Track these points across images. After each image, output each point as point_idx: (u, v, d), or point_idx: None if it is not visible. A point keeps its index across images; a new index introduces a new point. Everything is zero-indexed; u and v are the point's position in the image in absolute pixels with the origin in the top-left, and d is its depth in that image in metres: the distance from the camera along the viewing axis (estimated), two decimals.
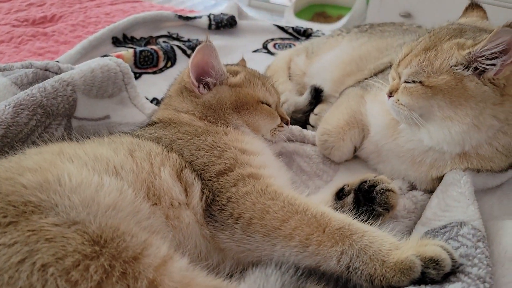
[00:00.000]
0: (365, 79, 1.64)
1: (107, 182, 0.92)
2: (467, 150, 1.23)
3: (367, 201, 1.15)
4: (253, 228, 0.96)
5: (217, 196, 1.04)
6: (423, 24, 3.76)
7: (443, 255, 0.86)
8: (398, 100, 1.27)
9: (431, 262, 0.84)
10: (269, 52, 2.36)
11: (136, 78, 2.03)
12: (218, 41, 2.37)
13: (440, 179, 1.31)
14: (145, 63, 2.08)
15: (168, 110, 1.33)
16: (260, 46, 2.42)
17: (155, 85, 2.00)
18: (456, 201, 1.11)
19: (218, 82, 1.31)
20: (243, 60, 1.72)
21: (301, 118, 1.77)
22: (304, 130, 1.66)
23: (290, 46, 2.41)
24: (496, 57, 1.10)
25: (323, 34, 2.55)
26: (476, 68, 1.13)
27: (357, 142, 1.51)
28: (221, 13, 2.54)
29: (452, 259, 0.86)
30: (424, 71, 1.19)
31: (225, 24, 2.47)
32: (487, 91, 1.13)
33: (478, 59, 1.12)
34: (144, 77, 2.05)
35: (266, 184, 1.05)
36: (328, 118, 1.54)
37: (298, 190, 1.24)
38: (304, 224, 0.94)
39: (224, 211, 1.01)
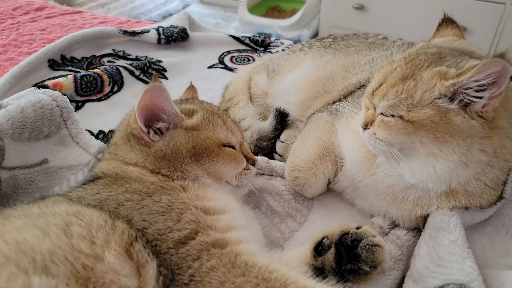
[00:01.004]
0: (334, 102, 1.50)
1: (36, 283, 0.73)
2: (454, 187, 1.11)
3: (351, 258, 1.02)
4: None
5: (177, 275, 0.87)
6: (378, 18, 3.73)
7: None
8: (374, 133, 1.14)
9: None
10: (226, 67, 2.18)
11: (79, 107, 1.80)
12: (169, 57, 2.16)
13: (425, 217, 1.20)
14: (88, 89, 1.85)
15: (114, 161, 1.13)
16: (216, 61, 2.23)
17: (101, 114, 1.78)
18: (450, 254, 0.99)
19: (172, 126, 1.13)
20: (192, 87, 1.52)
21: (267, 146, 1.62)
22: (272, 162, 1.51)
23: (249, 59, 2.24)
24: (485, 89, 0.98)
25: (281, 43, 2.40)
26: (461, 100, 1.02)
27: (330, 175, 1.37)
28: (171, 26, 2.32)
29: None
30: (403, 104, 1.06)
31: (176, 38, 2.26)
32: (475, 126, 1.02)
33: (464, 91, 1.00)
34: (88, 105, 1.82)
35: (235, 253, 0.90)
36: (297, 150, 1.39)
37: (271, 250, 1.11)
38: None
39: None
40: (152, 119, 1.10)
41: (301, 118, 1.60)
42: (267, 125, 1.62)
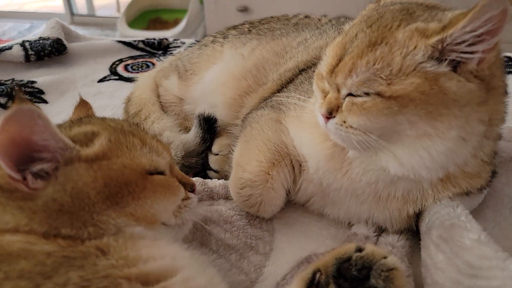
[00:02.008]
0: (272, 94, 1.22)
1: None
2: (452, 171, 0.90)
3: None
4: None
5: None
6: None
7: None
8: (344, 122, 0.88)
9: None
10: (121, 77, 1.78)
11: None
12: (45, 76, 1.70)
13: (417, 214, 0.97)
14: None
15: None
16: (107, 72, 1.82)
17: None
18: (482, 258, 0.75)
19: (62, 162, 0.73)
20: (83, 103, 1.10)
21: (197, 163, 1.28)
22: (209, 181, 1.18)
23: (148, 65, 1.87)
24: (480, 41, 0.77)
25: (182, 43, 2.07)
26: (451, 60, 0.79)
27: (289, 184, 1.09)
28: (40, 38, 1.85)
29: None
30: (380, 77, 0.81)
31: (50, 52, 1.79)
32: (473, 90, 0.80)
33: (454, 47, 0.78)
34: None
35: None
36: (243, 161, 1.08)
37: None
38: None
39: None
40: (27, 158, 0.70)
41: (234, 121, 1.30)
42: (192, 137, 1.28)
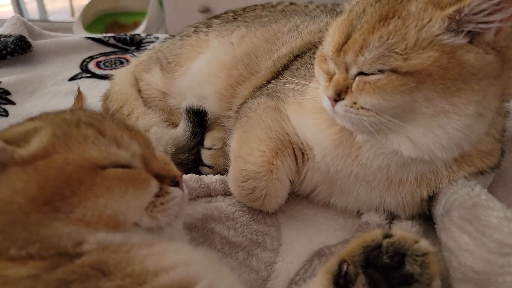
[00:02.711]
0: (267, 82, 1.16)
1: None
2: (467, 149, 0.86)
3: (399, 282, 0.68)
4: None
5: None
6: None
7: None
8: (355, 103, 0.83)
9: None
10: (94, 75, 1.66)
11: None
12: (10, 76, 1.56)
13: (432, 197, 0.93)
14: None
15: None
16: (78, 70, 1.70)
17: None
18: (511, 235, 0.72)
19: None
20: (79, 94, 0.98)
21: (188, 159, 1.20)
22: (204, 177, 1.10)
23: (121, 62, 1.76)
24: (498, 10, 0.74)
25: (156, 38, 1.97)
26: (468, 32, 0.76)
27: (293, 175, 1.03)
28: (1, 35, 1.70)
29: None
30: (395, 52, 0.77)
31: (13, 50, 1.65)
32: (491, 62, 0.77)
33: (472, 17, 0.74)
34: None
35: None
36: (243, 152, 1.01)
37: None
38: None
39: None
40: None
41: (226, 113, 1.23)
42: (182, 131, 1.20)
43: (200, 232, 0.96)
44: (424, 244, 0.70)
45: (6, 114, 1.39)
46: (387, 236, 0.72)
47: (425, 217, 0.97)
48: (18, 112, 1.40)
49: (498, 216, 0.77)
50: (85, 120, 0.73)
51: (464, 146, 0.85)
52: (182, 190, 0.78)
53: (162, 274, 0.59)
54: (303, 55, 1.15)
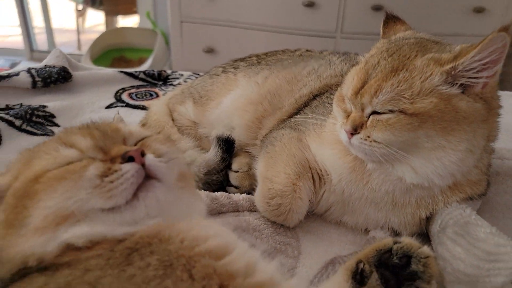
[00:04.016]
0: (290, 116, 1.35)
1: None
2: (459, 179, 1.06)
3: (403, 278, 0.85)
4: None
5: None
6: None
7: None
8: (368, 136, 1.02)
9: None
10: (128, 105, 1.86)
11: None
12: (55, 102, 1.75)
13: (426, 219, 1.11)
14: None
15: None
16: (113, 100, 1.89)
17: None
18: (497, 246, 0.90)
19: None
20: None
21: (217, 180, 1.37)
22: (233, 196, 1.27)
23: (151, 95, 1.96)
24: (485, 68, 0.95)
25: (181, 75, 2.19)
26: (461, 84, 0.97)
27: (311, 196, 1.21)
28: (46, 66, 1.91)
29: None
30: (404, 97, 0.97)
31: (56, 79, 1.85)
32: (479, 109, 0.98)
33: (465, 73, 0.95)
34: None
35: None
36: (270, 175, 1.19)
37: None
38: None
39: None
40: None
41: (252, 141, 1.41)
42: (213, 156, 1.38)
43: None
44: (427, 249, 0.87)
45: (52, 134, 1.57)
46: (396, 242, 0.90)
47: (423, 235, 1.14)
48: None
49: (485, 232, 0.94)
50: (53, 137, 0.85)
51: (457, 175, 1.04)
52: (141, 163, 0.75)
53: (210, 240, 0.72)
54: (321, 95, 1.35)
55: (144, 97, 1.93)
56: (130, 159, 0.75)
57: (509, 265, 0.85)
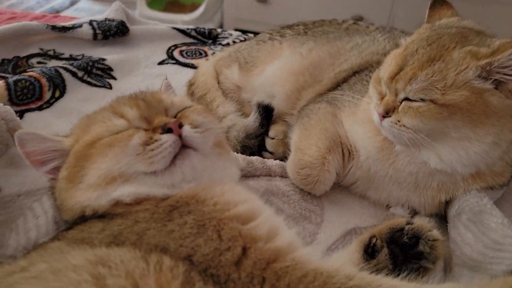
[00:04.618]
0: (328, 91, 1.42)
1: None
2: (482, 169, 1.10)
3: (411, 256, 0.94)
4: None
5: None
6: (281, 10, 3.76)
7: None
8: (398, 121, 1.08)
9: None
10: (178, 62, 1.97)
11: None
12: (111, 55, 1.89)
13: (448, 202, 1.17)
14: (25, 97, 1.52)
15: None
16: (165, 56, 2.01)
17: (47, 126, 1.47)
18: (506, 237, 0.96)
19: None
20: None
21: (254, 145, 1.48)
22: (267, 161, 1.38)
23: (200, 53, 2.06)
24: None
25: (230, 34, 2.25)
26: (495, 80, 0.99)
27: (339, 169, 1.29)
28: (106, 19, 2.03)
29: None
30: (436, 87, 1.01)
31: (114, 32, 1.98)
32: (510, 105, 1.00)
33: (500, 69, 0.97)
34: (28, 116, 1.50)
35: (300, 263, 0.75)
36: (303, 146, 1.28)
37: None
38: None
39: None
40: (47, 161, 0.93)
41: (290, 111, 1.49)
42: (252, 121, 1.47)
43: (263, 201, 1.24)
44: (436, 232, 0.96)
45: (110, 87, 1.72)
46: (409, 223, 0.98)
47: (440, 216, 1.21)
48: (118, 87, 1.72)
49: (497, 222, 1.00)
50: (107, 105, 0.99)
51: (480, 166, 1.08)
52: (178, 134, 0.85)
53: (239, 205, 0.83)
54: (360, 72, 1.39)
55: (194, 56, 2.03)
56: (169, 130, 0.85)
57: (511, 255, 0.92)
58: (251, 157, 1.37)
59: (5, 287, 0.65)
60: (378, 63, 1.31)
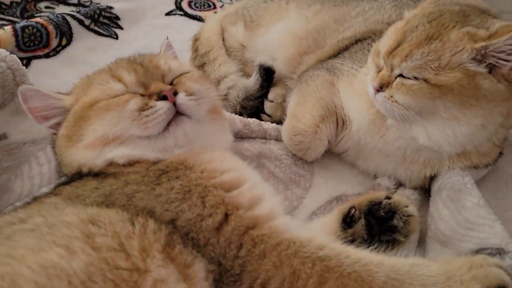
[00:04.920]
0: (329, 58, 1.42)
1: None
2: (469, 149, 1.13)
3: (385, 229, 1.00)
4: None
5: (226, 266, 0.78)
6: None
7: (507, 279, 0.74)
8: (391, 96, 1.10)
9: None
10: (186, 14, 1.96)
11: (24, 66, 1.51)
12: (120, 3, 1.88)
13: (431, 177, 1.21)
14: (32, 44, 1.55)
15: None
16: (173, 7, 1.99)
17: (53, 74, 1.52)
18: (478, 217, 1.01)
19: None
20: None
21: (253, 106, 1.51)
22: (264, 124, 1.41)
23: (209, 5, 2.04)
24: None
25: None
26: (489, 64, 0.99)
27: (332, 138, 1.32)
28: None
29: None
30: (430, 67, 1.02)
31: None
32: (501, 90, 1.01)
33: (496, 54, 0.97)
34: (35, 64, 1.54)
35: (276, 231, 0.81)
36: (298, 113, 1.31)
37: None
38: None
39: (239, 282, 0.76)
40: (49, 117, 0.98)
41: (291, 75, 1.51)
42: (252, 83, 1.50)
43: (255, 163, 1.29)
44: (412, 209, 1.01)
45: (116, 37, 1.73)
46: (387, 197, 1.03)
47: (425, 190, 1.26)
48: (124, 38, 1.74)
49: (473, 202, 1.05)
50: (106, 67, 1.03)
51: (466, 146, 1.11)
52: (172, 102, 0.89)
53: (225, 173, 0.87)
54: (363, 41, 1.39)
55: (202, 7, 2.01)
56: (164, 97, 0.89)
57: (480, 235, 0.97)
58: (249, 119, 1.40)
59: (5, 237, 0.72)
60: (381, 32, 1.30)
